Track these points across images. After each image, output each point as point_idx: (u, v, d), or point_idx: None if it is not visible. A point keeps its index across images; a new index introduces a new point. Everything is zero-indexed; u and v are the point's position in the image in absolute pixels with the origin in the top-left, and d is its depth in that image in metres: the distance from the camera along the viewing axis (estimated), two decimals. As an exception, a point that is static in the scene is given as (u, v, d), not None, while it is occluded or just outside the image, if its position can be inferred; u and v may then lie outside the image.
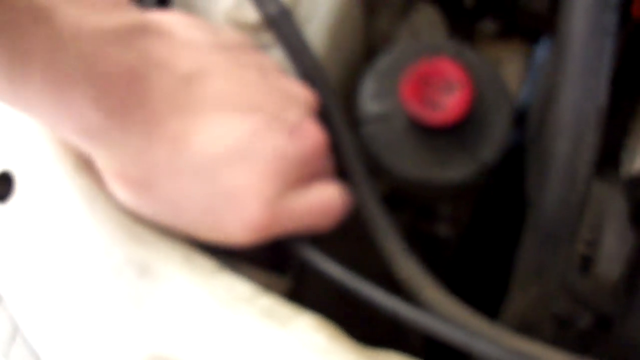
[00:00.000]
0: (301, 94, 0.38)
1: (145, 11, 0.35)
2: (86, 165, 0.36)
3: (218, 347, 0.33)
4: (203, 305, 0.34)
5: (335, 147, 0.39)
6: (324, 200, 0.37)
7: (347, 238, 0.40)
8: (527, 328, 0.40)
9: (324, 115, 0.39)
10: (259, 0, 0.41)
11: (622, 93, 0.55)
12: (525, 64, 0.58)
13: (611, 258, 0.48)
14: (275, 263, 0.41)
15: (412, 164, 0.42)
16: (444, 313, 0.34)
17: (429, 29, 0.56)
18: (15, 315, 0.38)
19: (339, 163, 0.40)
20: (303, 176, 0.36)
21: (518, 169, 0.50)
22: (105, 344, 0.34)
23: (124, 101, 0.31)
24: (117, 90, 0.31)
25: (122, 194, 0.34)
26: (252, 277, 0.36)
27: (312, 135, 0.37)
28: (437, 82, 0.40)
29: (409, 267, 0.37)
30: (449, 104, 0.40)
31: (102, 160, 0.34)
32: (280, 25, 0.40)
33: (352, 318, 0.37)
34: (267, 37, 0.42)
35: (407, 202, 0.51)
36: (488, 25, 0.58)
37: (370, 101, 0.43)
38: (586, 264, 0.49)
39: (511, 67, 0.57)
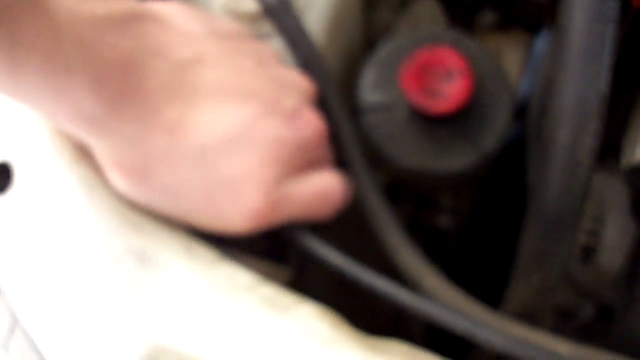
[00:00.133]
0: (299, 82, 0.38)
1: (145, 2, 0.35)
2: (85, 156, 0.36)
3: (219, 336, 0.33)
4: (204, 294, 0.34)
5: (334, 136, 0.39)
6: (324, 188, 0.37)
7: (346, 228, 0.40)
8: (528, 319, 0.40)
9: (323, 105, 0.39)
10: (258, -11, 0.41)
11: (623, 84, 0.54)
12: (525, 55, 0.57)
13: (613, 248, 0.48)
14: (276, 253, 0.41)
15: (413, 154, 0.42)
16: (445, 302, 0.34)
17: (429, 21, 0.56)
18: (15, 308, 0.38)
19: (338, 152, 0.39)
20: (302, 164, 0.36)
21: (519, 160, 0.50)
22: (106, 334, 0.34)
23: (121, 89, 0.31)
24: (114, 79, 0.31)
25: (120, 182, 0.34)
26: (252, 267, 0.36)
27: (311, 122, 0.36)
28: (438, 71, 0.40)
29: (410, 257, 0.36)
30: (450, 92, 0.40)
31: (100, 149, 0.34)
32: (279, 15, 0.40)
33: (352, 308, 0.37)
34: (266, 27, 0.42)
35: (408, 194, 0.51)
36: (488, 17, 0.58)
37: (370, 91, 0.43)
38: (588, 254, 0.49)
39: (511, 58, 0.57)
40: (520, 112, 0.53)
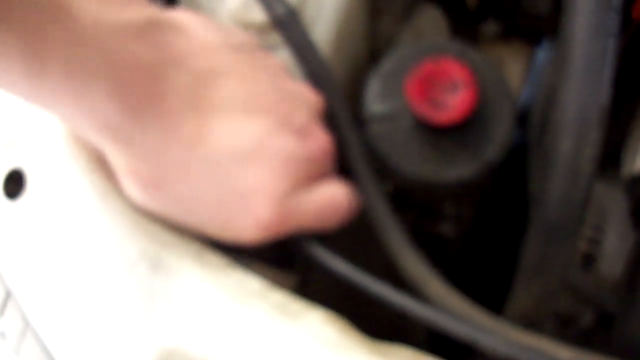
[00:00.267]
0: (308, 96, 0.39)
1: (161, 8, 0.35)
2: (98, 162, 0.37)
3: (230, 341, 0.33)
4: (215, 300, 0.34)
5: (341, 147, 0.40)
6: (331, 198, 0.38)
7: (350, 235, 0.41)
8: (529, 325, 0.40)
9: (330, 116, 0.40)
10: (266, 1, 0.41)
11: (623, 94, 0.55)
12: (527, 65, 0.58)
13: (613, 256, 0.49)
14: (282, 260, 0.41)
15: (417, 163, 0.43)
16: (450, 308, 0.35)
17: (432, 31, 0.56)
18: (26, 312, 0.39)
19: (345, 162, 0.40)
20: (310, 176, 0.37)
21: (521, 168, 0.51)
22: (118, 338, 0.35)
23: (141, 98, 0.32)
24: (135, 87, 0.31)
25: (134, 190, 0.35)
26: (259, 274, 0.37)
27: (319, 138, 0.37)
28: (442, 82, 0.41)
29: (414, 263, 0.37)
30: (454, 103, 0.41)
31: (116, 157, 0.34)
32: (287, 27, 0.41)
33: (354, 314, 0.38)
34: (274, 38, 0.43)
35: (411, 202, 0.52)
36: (490, 27, 0.59)
37: (375, 101, 0.44)
38: (588, 262, 0.50)
39: (513, 68, 0.57)
40: (521, 120, 0.53)
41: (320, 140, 0.37)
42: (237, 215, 0.35)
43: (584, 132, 0.34)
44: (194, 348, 0.34)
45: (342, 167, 0.40)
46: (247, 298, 0.34)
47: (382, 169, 0.43)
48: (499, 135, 0.43)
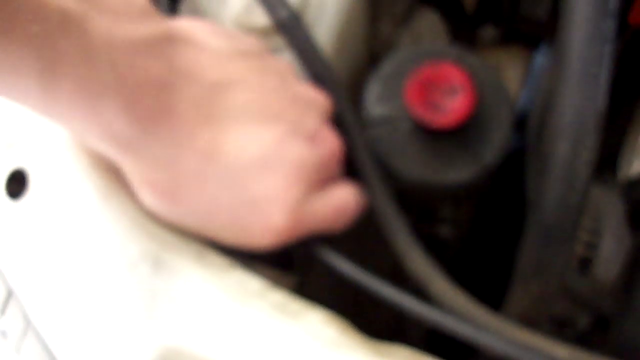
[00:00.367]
0: (318, 99, 0.39)
1: (167, 18, 0.35)
2: (101, 162, 0.37)
3: (230, 340, 0.34)
4: (216, 299, 0.35)
5: (349, 149, 0.40)
6: (341, 201, 0.38)
7: (353, 236, 0.41)
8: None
9: (337, 118, 0.41)
10: (269, 4, 0.42)
11: (620, 99, 0.56)
12: (525, 69, 0.59)
13: (609, 259, 0.49)
14: (282, 261, 0.42)
15: (416, 166, 0.43)
16: (456, 308, 0.35)
17: (431, 35, 0.57)
18: (28, 311, 0.39)
19: (352, 164, 0.41)
20: (321, 180, 0.37)
21: (518, 172, 0.51)
22: (119, 337, 0.35)
23: (153, 110, 0.32)
24: (147, 99, 0.32)
25: (151, 201, 0.35)
26: (259, 274, 0.37)
27: (329, 142, 0.38)
28: (441, 86, 0.41)
29: (422, 264, 0.38)
30: (452, 107, 0.41)
31: (131, 170, 0.35)
32: (290, 30, 0.41)
33: (354, 315, 0.38)
34: (277, 41, 0.43)
35: (409, 205, 0.52)
36: (489, 32, 0.59)
37: (375, 104, 0.44)
38: (585, 265, 0.50)
39: (511, 73, 0.58)
40: (519, 124, 0.54)
41: (330, 144, 0.38)
42: (252, 222, 0.35)
43: (581, 136, 0.35)
44: (194, 347, 0.34)
45: (349, 168, 0.41)
46: (248, 298, 0.35)
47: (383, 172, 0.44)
48: (497, 139, 0.43)
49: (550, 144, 0.36)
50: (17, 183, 0.40)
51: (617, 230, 0.50)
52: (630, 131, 0.50)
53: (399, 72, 0.44)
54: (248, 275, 0.36)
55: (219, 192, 0.34)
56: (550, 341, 0.34)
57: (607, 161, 0.53)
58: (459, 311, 0.35)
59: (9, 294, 0.40)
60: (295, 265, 0.42)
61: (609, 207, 0.51)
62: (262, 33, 0.43)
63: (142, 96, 0.32)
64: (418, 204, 0.52)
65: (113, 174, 0.36)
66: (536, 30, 0.56)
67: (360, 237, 0.43)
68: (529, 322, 0.39)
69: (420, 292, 0.37)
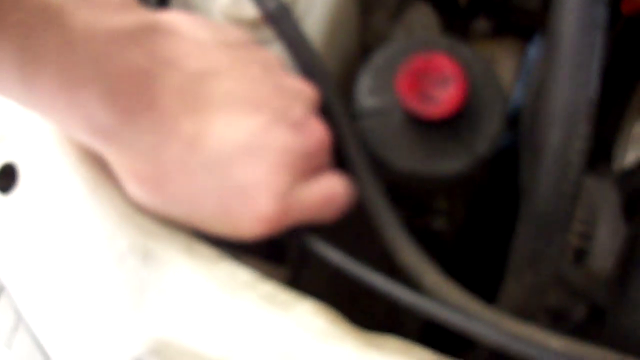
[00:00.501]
0: (304, 89, 0.39)
1: (151, 10, 0.35)
2: (89, 156, 0.37)
3: (220, 331, 0.34)
4: (206, 291, 0.34)
5: (337, 139, 0.40)
6: (330, 191, 0.38)
7: (344, 227, 0.41)
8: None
9: (325, 109, 0.40)
10: (258, -4, 0.42)
11: (614, 90, 0.56)
12: (518, 61, 0.58)
13: (604, 250, 0.49)
14: (273, 253, 0.42)
15: (408, 157, 0.43)
16: (446, 299, 0.35)
17: (424, 28, 0.57)
18: (19, 305, 0.39)
19: (341, 154, 0.40)
20: (308, 169, 0.37)
21: (513, 167, 0.51)
22: (109, 330, 0.35)
23: (135, 100, 0.32)
24: (129, 90, 0.32)
25: (137, 191, 0.35)
26: (251, 267, 0.37)
27: (316, 130, 0.38)
28: (432, 77, 0.41)
29: (412, 254, 0.37)
30: (444, 98, 0.41)
31: (115, 160, 0.34)
32: (279, 21, 0.41)
33: (346, 307, 0.38)
34: (266, 33, 0.43)
35: (402, 197, 0.52)
36: (482, 24, 0.59)
37: (367, 96, 0.44)
38: (580, 256, 0.50)
39: (504, 64, 0.58)
40: (514, 118, 0.54)
41: (317, 133, 0.38)
42: (239, 210, 0.35)
43: (573, 125, 0.34)
44: (184, 339, 0.34)
45: (338, 159, 0.41)
46: (237, 289, 0.35)
47: (373, 163, 0.44)
48: (489, 130, 0.43)
49: (543, 133, 0.36)
50: (7, 177, 0.39)
51: (612, 221, 0.50)
52: (624, 121, 0.50)
53: (390, 64, 0.44)
54: (237, 267, 0.36)
55: (204, 180, 0.34)
56: (543, 332, 0.34)
57: (601, 152, 0.53)
58: (451, 304, 0.35)
59: (0, 289, 0.40)
60: (286, 259, 0.42)
61: (603, 198, 0.51)
62: (251, 25, 0.43)
63: (124, 86, 0.31)
64: (411, 196, 0.52)
65: (101, 167, 0.36)
66: (529, 21, 0.56)
67: (354, 230, 0.43)
68: (524, 313, 0.39)
69: (412, 285, 0.36)
